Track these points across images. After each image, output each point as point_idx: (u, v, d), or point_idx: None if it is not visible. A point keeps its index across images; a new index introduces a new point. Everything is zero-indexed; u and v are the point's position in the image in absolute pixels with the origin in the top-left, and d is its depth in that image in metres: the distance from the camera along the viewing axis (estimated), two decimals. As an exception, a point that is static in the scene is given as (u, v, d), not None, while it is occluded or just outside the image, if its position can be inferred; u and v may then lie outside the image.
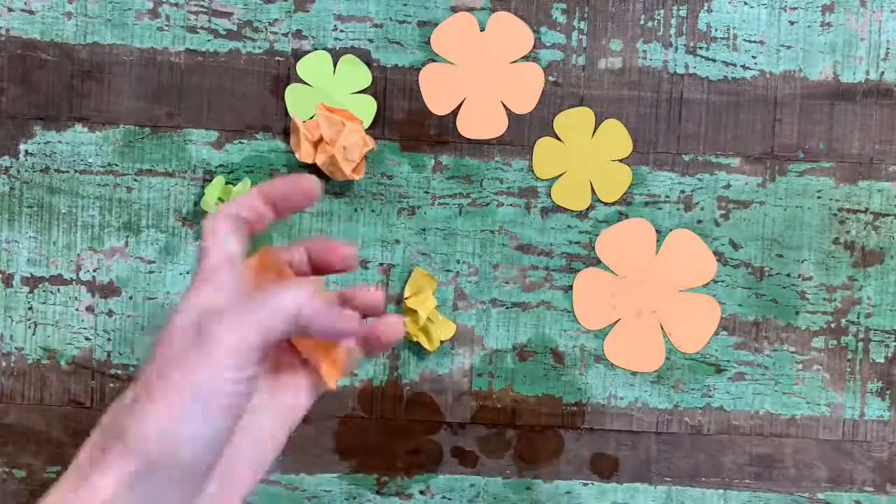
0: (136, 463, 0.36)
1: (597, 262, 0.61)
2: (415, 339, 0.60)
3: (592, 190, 0.61)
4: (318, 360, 0.42)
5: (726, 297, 0.61)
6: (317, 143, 0.59)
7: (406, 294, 0.60)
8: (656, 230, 0.61)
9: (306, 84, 0.60)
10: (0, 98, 0.60)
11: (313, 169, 0.60)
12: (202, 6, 0.60)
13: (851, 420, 0.62)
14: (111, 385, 0.61)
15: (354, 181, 0.60)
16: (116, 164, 0.60)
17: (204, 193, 0.59)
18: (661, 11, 0.61)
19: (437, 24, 0.60)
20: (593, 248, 0.61)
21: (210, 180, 0.60)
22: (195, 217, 0.61)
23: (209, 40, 0.60)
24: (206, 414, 0.36)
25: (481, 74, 0.61)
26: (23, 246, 0.60)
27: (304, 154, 0.59)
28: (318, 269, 0.43)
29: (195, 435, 0.36)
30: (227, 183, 0.60)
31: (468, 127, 0.61)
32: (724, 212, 0.61)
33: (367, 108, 0.60)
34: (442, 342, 0.61)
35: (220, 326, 0.37)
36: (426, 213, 0.61)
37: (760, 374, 0.62)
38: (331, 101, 0.60)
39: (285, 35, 0.60)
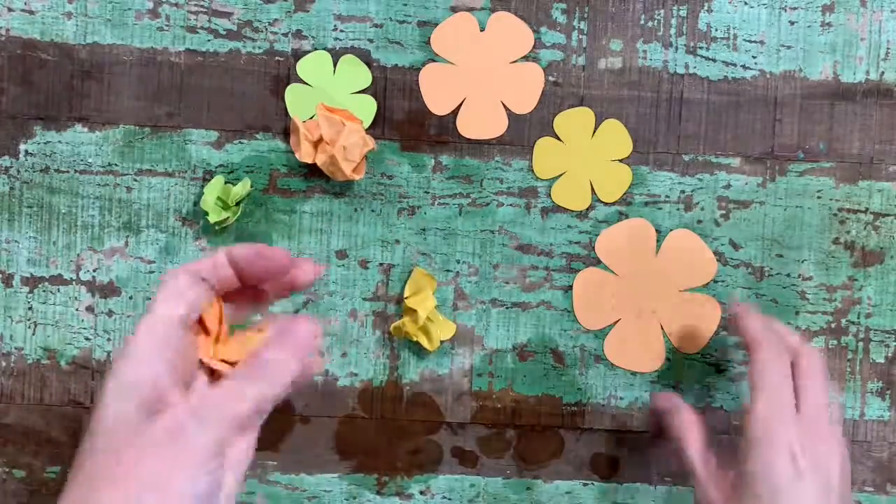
0: None
1: (597, 262, 0.61)
2: (415, 339, 0.59)
3: (592, 190, 0.61)
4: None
5: (726, 297, 0.61)
6: (317, 143, 0.59)
7: (406, 294, 0.60)
8: (656, 230, 0.61)
9: (306, 84, 0.60)
10: (0, 98, 0.60)
11: (313, 169, 0.60)
12: (202, 6, 0.60)
13: (851, 420, 0.62)
14: (111, 385, 0.61)
15: (354, 181, 0.60)
16: (116, 164, 0.60)
17: (203, 193, 0.59)
18: (661, 11, 0.61)
19: (437, 24, 0.60)
20: (593, 248, 0.61)
21: (210, 180, 0.60)
22: (195, 217, 0.61)
23: (209, 40, 0.60)
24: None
25: (481, 74, 0.61)
26: (23, 246, 0.60)
27: (304, 154, 0.59)
28: (247, 278, 0.43)
29: None
30: (226, 182, 0.60)
31: (468, 127, 0.61)
32: (724, 212, 0.61)
33: (367, 108, 0.60)
34: (442, 342, 0.61)
35: (192, 425, 0.37)
36: (426, 213, 0.61)
37: (760, 374, 0.62)
38: (331, 101, 0.60)
39: (285, 35, 0.60)
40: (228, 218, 0.59)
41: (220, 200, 0.59)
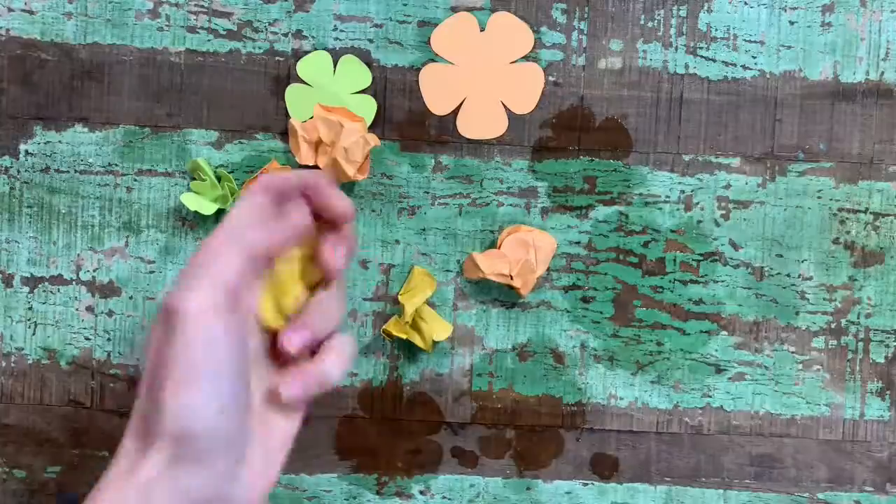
0: (167, 447, 0.39)
1: (596, 263, 0.61)
2: (405, 337, 0.59)
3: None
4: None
5: (727, 296, 0.61)
6: (317, 145, 0.59)
7: (401, 291, 0.60)
8: (655, 230, 0.61)
9: (306, 84, 0.60)
10: (0, 98, 0.60)
11: (313, 169, 0.60)
12: (202, 6, 0.60)
13: (851, 420, 0.62)
14: (111, 385, 0.61)
15: (356, 181, 0.60)
16: (116, 164, 0.60)
17: (191, 189, 0.59)
18: (661, 11, 0.61)
19: (437, 24, 0.60)
20: (593, 248, 0.61)
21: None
22: (195, 217, 0.60)
23: (209, 40, 0.60)
24: (207, 380, 0.39)
25: (481, 74, 0.61)
26: (23, 246, 0.60)
27: (304, 157, 0.59)
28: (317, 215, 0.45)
29: (204, 403, 0.39)
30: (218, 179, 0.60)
31: (468, 127, 0.61)
32: (724, 212, 0.61)
33: (367, 108, 0.60)
34: (436, 343, 0.60)
35: (175, 299, 0.39)
36: (426, 213, 0.61)
37: (760, 375, 0.62)
38: (331, 101, 0.60)
39: (285, 35, 0.60)
40: (223, 199, 0.59)
41: (201, 178, 0.59)
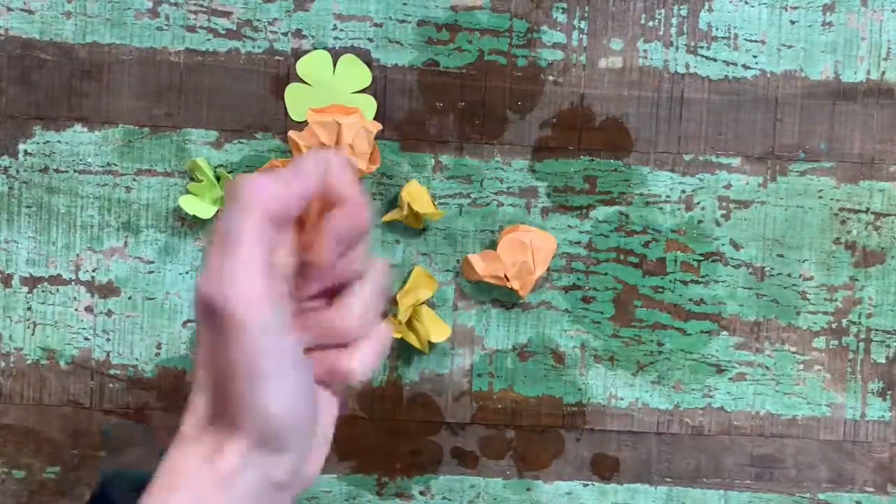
0: (247, 439, 0.38)
1: (597, 263, 0.61)
2: (399, 336, 0.59)
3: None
4: None
5: (727, 297, 0.61)
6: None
7: (400, 291, 0.60)
8: (656, 230, 0.61)
9: (306, 84, 0.60)
10: (0, 98, 0.60)
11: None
12: (202, 5, 0.60)
13: (852, 420, 0.62)
14: (110, 385, 0.61)
15: (369, 174, 0.60)
16: (116, 164, 0.60)
17: (188, 191, 0.59)
18: (662, 11, 0.61)
19: (437, 24, 0.60)
20: (593, 248, 0.61)
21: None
22: (194, 217, 0.60)
23: (209, 40, 0.60)
24: (279, 375, 0.37)
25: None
26: (22, 246, 0.60)
27: None
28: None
29: (282, 396, 0.38)
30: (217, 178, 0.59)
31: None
32: (724, 212, 0.61)
33: (367, 108, 0.60)
34: (434, 344, 0.60)
35: (217, 295, 0.36)
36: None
37: (761, 375, 0.61)
38: (331, 100, 0.60)
39: (285, 34, 0.60)
40: (222, 200, 0.59)
41: (198, 179, 0.59)
